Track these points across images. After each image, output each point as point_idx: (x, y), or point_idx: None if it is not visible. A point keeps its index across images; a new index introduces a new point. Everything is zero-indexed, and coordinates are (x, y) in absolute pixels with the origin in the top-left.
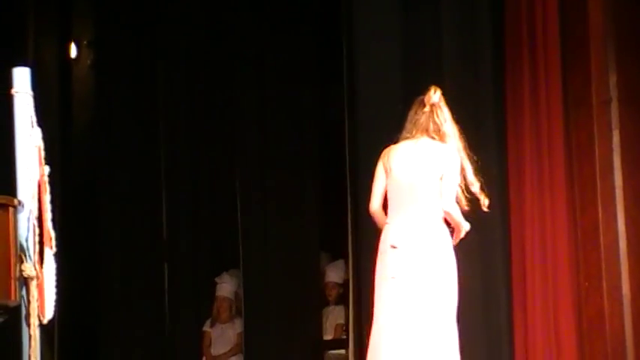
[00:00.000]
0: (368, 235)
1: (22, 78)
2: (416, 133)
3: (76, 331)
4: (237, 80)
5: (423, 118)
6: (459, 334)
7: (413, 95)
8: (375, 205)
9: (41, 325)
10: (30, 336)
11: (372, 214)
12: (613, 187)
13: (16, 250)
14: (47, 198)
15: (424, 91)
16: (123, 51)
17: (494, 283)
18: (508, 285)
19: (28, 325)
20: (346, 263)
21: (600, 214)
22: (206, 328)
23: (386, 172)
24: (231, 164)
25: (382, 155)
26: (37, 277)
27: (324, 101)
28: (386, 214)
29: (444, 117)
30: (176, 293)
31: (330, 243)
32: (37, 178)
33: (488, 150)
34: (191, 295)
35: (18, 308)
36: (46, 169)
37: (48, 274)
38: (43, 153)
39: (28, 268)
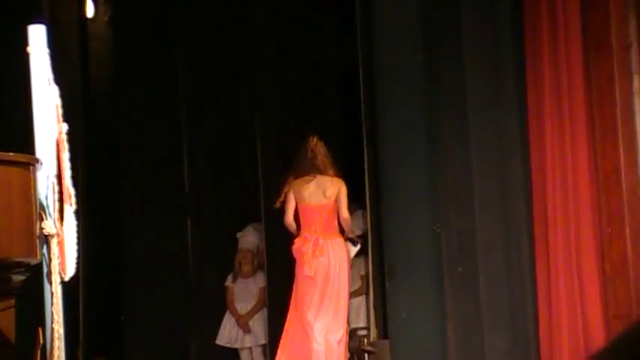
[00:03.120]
0: (387, 185)
1: (37, 35)
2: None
3: (100, 288)
4: (256, 35)
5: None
6: (482, 286)
7: (431, 45)
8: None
9: (63, 283)
10: (52, 293)
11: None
12: (634, 132)
13: (37, 208)
14: (66, 156)
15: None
16: (140, 7)
17: (516, 230)
18: (530, 232)
19: (50, 283)
20: (363, 215)
21: (622, 159)
22: (228, 283)
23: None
24: (252, 118)
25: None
26: (58, 235)
27: (341, 53)
28: (298, 227)
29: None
30: (199, 248)
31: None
32: (55, 136)
33: (509, 97)
34: (214, 250)
35: (39, 266)
36: (64, 126)
37: (68, 232)
38: (60, 111)
39: (49, 226)
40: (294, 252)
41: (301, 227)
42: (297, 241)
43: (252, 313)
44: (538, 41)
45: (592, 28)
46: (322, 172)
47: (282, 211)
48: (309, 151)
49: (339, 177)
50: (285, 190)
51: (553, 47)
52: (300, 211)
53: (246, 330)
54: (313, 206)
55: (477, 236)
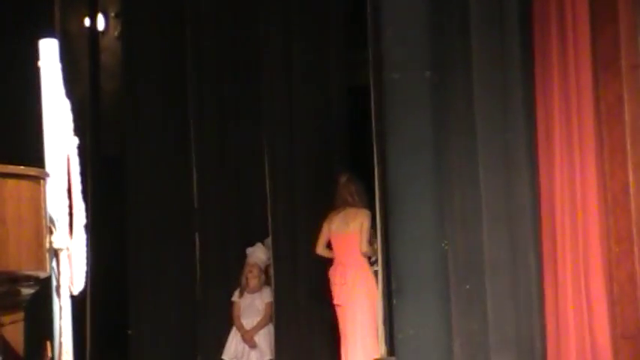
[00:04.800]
0: (395, 203)
1: (49, 49)
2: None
3: (107, 303)
4: (264, 47)
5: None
6: (489, 303)
7: (440, 59)
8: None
9: (71, 296)
10: (61, 307)
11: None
12: None
13: (47, 222)
14: (76, 170)
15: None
16: (150, 21)
17: (524, 250)
18: (538, 251)
19: (59, 297)
20: (374, 226)
21: (630, 178)
22: (235, 298)
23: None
24: (260, 134)
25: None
26: (67, 249)
27: (350, 66)
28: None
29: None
30: (206, 263)
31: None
32: (65, 149)
33: (517, 115)
34: (222, 266)
35: (48, 279)
36: (75, 140)
37: (78, 246)
38: (71, 125)
39: (58, 240)
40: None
41: (334, 257)
42: (329, 271)
43: (257, 328)
44: (547, 60)
45: (601, 47)
46: (350, 205)
47: None
48: (340, 186)
49: (367, 209)
50: (323, 222)
51: (562, 66)
52: (331, 241)
53: (252, 345)
54: (339, 236)
55: (485, 254)
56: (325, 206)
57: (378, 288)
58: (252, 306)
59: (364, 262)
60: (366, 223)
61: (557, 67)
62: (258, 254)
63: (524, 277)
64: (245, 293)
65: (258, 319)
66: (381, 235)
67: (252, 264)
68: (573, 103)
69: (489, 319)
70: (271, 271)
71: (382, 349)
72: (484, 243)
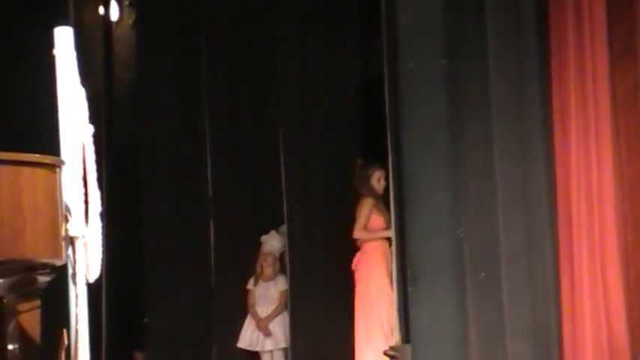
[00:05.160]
0: (410, 191)
1: (64, 38)
2: None
3: (123, 291)
4: (278, 35)
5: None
6: (505, 292)
7: (455, 47)
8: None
9: (88, 284)
10: (77, 295)
11: None
12: None
13: (62, 210)
14: (91, 158)
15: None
16: (164, 10)
17: (539, 238)
18: (553, 238)
19: (75, 284)
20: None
21: None
22: (249, 286)
23: None
24: (275, 122)
25: None
26: (83, 237)
27: (364, 55)
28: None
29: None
30: (221, 251)
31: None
32: (81, 138)
33: (532, 103)
34: (236, 254)
35: (64, 267)
36: (90, 128)
37: (93, 234)
38: (86, 113)
39: (74, 228)
40: None
41: None
42: None
43: (272, 316)
44: (563, 49)
45: (617, 35)
46: (358, 192)
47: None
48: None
49: (369, 197)
50: None
51: (578, 55)
52: None
53: (267, 333)
54: (351, 223)
55: (500, 243)
56: (340, 194)
57: (384, 275)
58: (267, 294)
59: (368, 247)
60: (363, 209)
61: (573, 55)
62: (273, 242)
63: (539, 266)
64: (260, 281)
65: (273, 307)
66: (396, 223)
67: (267, 252)
68: (589, 91)
69: (505, 307)
70: (286, 259)
71: (397, 337)
72: (499, 232)
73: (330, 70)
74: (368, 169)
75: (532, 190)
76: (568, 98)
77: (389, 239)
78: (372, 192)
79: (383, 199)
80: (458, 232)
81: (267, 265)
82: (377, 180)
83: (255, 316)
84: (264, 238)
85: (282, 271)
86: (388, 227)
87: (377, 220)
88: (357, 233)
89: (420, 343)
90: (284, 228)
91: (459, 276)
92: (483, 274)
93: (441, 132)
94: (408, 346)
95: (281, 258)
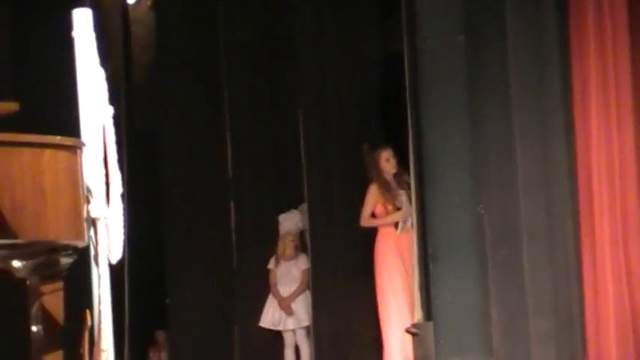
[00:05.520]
0: (430, 169)
1: (82, 20)
2: None
3: (145, 271)
4: (296, 14)
5: None
6: (527, 269)
7: (474, 23)
8: None
9: (110, 265)
10: (99, 276)
11: None
12: None
13: (84, 192)
14: (111, 139)
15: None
16: None
17: (560, 214)
18: (575, 215)
19: (97, 265)
20: (409, 198)
21: None
22: (271, 266)
23: None
24: (294, 101)
25: None
26: (105, 218)
27: (383, 33)
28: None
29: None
30: (242, 231)
31: None
32: (101, 119)
33: (552, 78)
34: (257, 233)
35: (87, 249)
36: (110, 110)
37: (115, 215)
38: (106, 94)
39: (96, 209)
40: None
41: None
42: None
43: (294, 295)
44: (583, 22)
45: (637, 7)
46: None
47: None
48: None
49: (375, 183)
50: None
51: (598, 27)
52: None
53: (289, 312)
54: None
55: (521, 219)
56: (360, 171)
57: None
58: (289, 273)
59: (379, 233)
60: (368, 197)
61: (592, 28)
62: (290, 222)
63: (561, 242)
64: (281, 261)
65: (295, 286)
66: (417, 201)
67: (285, 233)
68: (609, 64)
69: (527, 284)
70: (307, 238)
71: (419, 315)
72: (520, 208)
73: (350, 48)
74: (374, 152)
75: (553, 166)
76: (588, 73)
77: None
78: (380, 175)
79: (396, 177)
80: (478, 209)
81: (287, 245)
82: (385, 160)
83: (277, 296)
84: (281, 217)
85: (303, 249)
86: (399, 209)
87: (384, 206)
88: (363, 221)
89: (441, 320)
90: (304, 207)
91: (480, 253)
92: (505, 251)
93: (460, 109)
94: (429, 324)
95: (301, 235)
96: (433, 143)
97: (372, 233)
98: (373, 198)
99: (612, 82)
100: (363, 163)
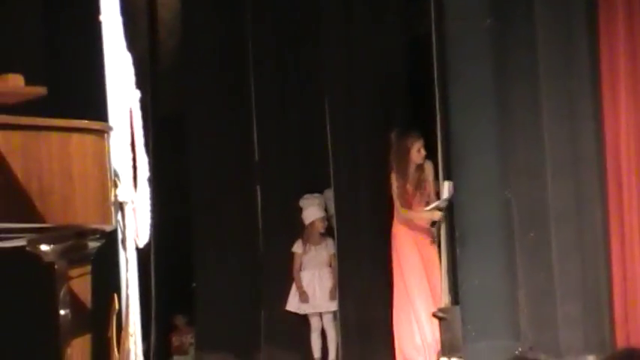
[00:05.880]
0: (458, 152)
1: (109, 3)
2: None
3: (172, 255)
4: (324, 2)
5: None
6: (555, 253)
7: (501, 6)
8: None
9: (137, 249)
10: (127, 260)
11: None
12: None
13: (111, 175)
14: (138, 123)
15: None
16: None
17: (589, 199)
18: (603, 198)
19: (125, 249)
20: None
21: None
22: (297, 249)
23: None
24: (320, 86)
25: None
26: (132, 202)
27: (410, 15)
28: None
29: None
30: (269, 216)
31: None
32: (128, 103)
33: (581, 62)
34: (284, 218)
35: (114, 233)
36: (137, 94)
37: (142, 199)
38: (133, 78)
39: (123, 193)
40: None
41: None
42: None
43: (329, 297)
44: (612, 5)
45: None
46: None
47: None
48: None
49: (394, 172)
50: None
51: (627, 11)
52: None
53: (304, 299)
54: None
55: (549, 202)
56: (385, 156)
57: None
58: (318, 257)
59: (397, 217)
60: (394, 189)
61: (622, 12)
62: (315, 208)
63: (589, 227)
64: (310, 245)
65: (324, 270)
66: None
67: (313, 219)
68: (639, 48)
69: (554, 268)
70: (333, 223)
71: (446, 299)
72: (548, 192)
73: (376, 31)
74: (407, 140)
75: (581, 150)
76: (617, 56)
77: None
78: (404, 163)
79: (418, 168)
80: (506, 192)
81: (315, 229)
82: (417, 150)
83: (298, 282)
84: (302, 203)
85: (329, 233)
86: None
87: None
88: (402, 215)
89: (469, 304)
90: (328, 192)
91: (507, 237)
92: (532, 235)
93: (488, 93)
94: (457, 308)
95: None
96: (461, 127)
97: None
98: (398, 189)
99: None
100: (390, 147)
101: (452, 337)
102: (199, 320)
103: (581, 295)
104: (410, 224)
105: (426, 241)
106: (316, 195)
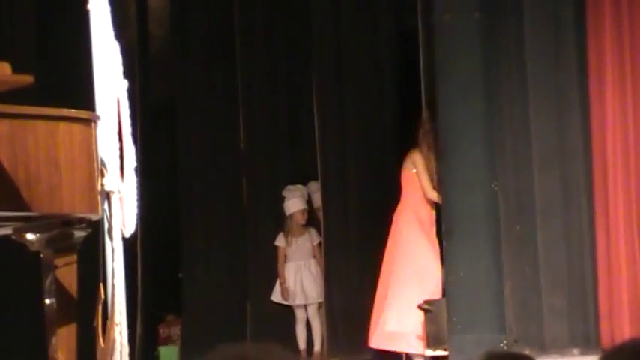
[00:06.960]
0: (445, 145)
1: None
2: None
3: (158, 245)
4: None
5: None
6: (540, 246)
7: (488, 1)
8: None
9: (124, 239)
10: (113, 249)
11: None
12: None
13: (98, 165)
14: (126, 112)
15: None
16: None
17: (575, 192)
18: (589, 191)
19: (111, 239)
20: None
21: None
22: (279, 243)
23: None
24: (308, 76)
25: None
26: (119, 191)
27: (398, 8)
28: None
29: None
30: (255, 207)
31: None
32: (115, 92)
33: (568, 56)
34: (272, 208)
35: (101, 222)
36: (124, 83)
37: (129, 189)
38: (120, 67)
39: (110, 182)
40: None
41: None
42: None
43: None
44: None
45: None
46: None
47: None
48: None
49: (416, 150)
50: None
51: (615, 5)
52: None
53: (286, 296)
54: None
55: (536, 195)
56: (375, 147)
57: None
58: (302, 248)
59: (412, 202)
60: (420, 167)
61: (609, 6)
62: (296, 201)
63: (575, 220)
64: (291, 238)
65: (309, 260)
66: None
67: (293, 211)
68: (626, 43)
69: (540, 261)
70: (320, 214)
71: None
72: (535, 185)
73: (365, 24)
74: (429, 121)
75: (567, 143)
76: (604, 51)
77: None
78: (429, 146)
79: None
80: (493, 185)
81: (291, 224)
82: None
83: (282, 277)
84: (285, 193)
85: (311, 224)
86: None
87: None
88: (432, 194)
89: (455, 296)
90: (312, 184)
91: (494, 230)
92: (518, 228)
93: (475, 85)
94: (443, 300)
95: (308, 212)
96: (448, 120)
97: (385, 206)
98: (424, 167)
99: (628, 60)
100: (423, 128)
101: (437, 329)
102: (186, 310)
103: (567, 288)
104: (423, 209)
105: (432, 230)
106: (298, 187)
